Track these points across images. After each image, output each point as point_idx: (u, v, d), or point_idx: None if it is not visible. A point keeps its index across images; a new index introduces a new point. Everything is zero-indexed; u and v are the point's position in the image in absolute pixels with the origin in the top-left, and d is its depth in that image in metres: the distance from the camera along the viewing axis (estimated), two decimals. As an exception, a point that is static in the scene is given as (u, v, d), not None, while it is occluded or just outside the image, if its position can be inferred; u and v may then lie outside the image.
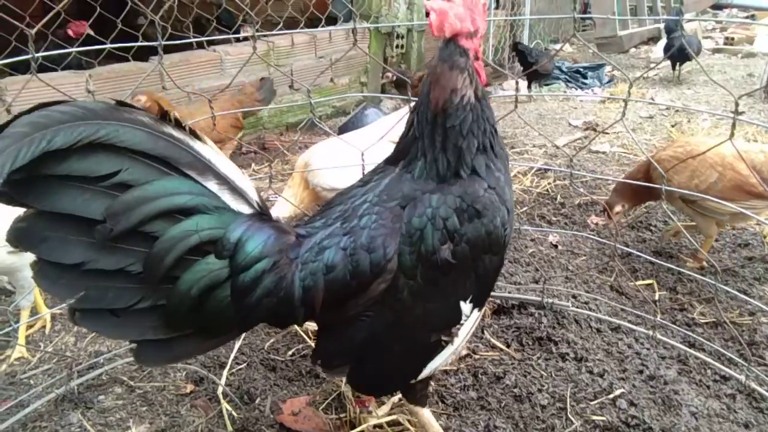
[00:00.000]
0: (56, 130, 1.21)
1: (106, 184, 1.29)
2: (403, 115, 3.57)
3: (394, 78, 4.85)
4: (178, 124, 1.38)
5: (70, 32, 5.07)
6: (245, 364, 2.47)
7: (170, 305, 1.41)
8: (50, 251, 1.30)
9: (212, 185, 1.42)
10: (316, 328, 1.72)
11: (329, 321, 1.63)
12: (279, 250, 1.50)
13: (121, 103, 1.34)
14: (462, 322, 1.63)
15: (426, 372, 1.69)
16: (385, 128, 3.13)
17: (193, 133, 1.41)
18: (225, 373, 2.40)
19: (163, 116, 1.37)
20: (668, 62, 7.46)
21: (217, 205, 1.43)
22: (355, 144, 2.73)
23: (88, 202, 1.29)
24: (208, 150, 1.43)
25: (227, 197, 1.45)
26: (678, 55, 7.03)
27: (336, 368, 1.72)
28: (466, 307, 1.61)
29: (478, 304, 1.65)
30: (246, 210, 1.48)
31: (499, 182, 1.60)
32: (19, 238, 1.28)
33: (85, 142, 1.24)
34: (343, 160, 2.99)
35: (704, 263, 3.22)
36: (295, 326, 2.60)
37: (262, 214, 1.53)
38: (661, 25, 8.09)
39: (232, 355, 2.50)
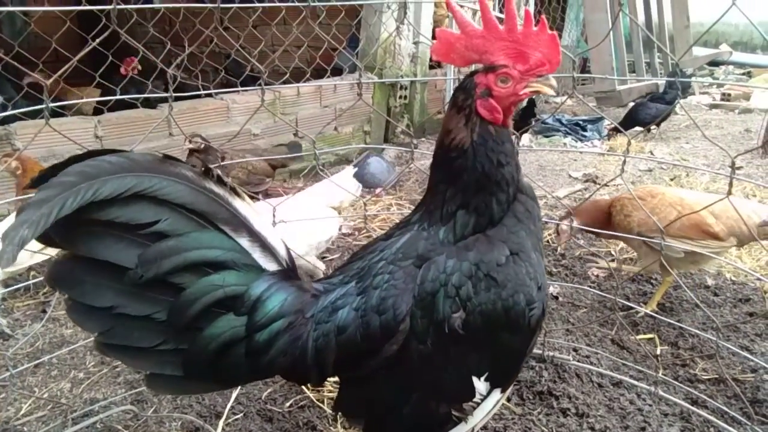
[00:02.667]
0: (103, 180, 1.26)
1: (143, 232, 1.34)
2: (344, 176, 3.62)
3: (201, 145, 4.30)
4: (220, 181, 1.44)
5: (122, 70, 5.36)
6: (242, 414, 2.44)
7: (189, 354, 1.44)
8: (84, 294, 1.35)
9: (244, 242, 1.45)
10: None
11: (345, 377, 1.63)
12: (296, 310, 1.50)
13: (167, 157, 1.40)
14: (476, 399, 1.52)
15: None
16: (325, 192, 3.12)
17: (233, 190, 1.46)
18: (221, 423, 2.37)
19: (206, 172, 1.42)
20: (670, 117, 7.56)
21: (246, 263, 1.46)
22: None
23: (122, 251, 1.33)
24: (245, 207, 1.47)
25: (257, 254, 1.47)
26: (628, 121, 7.12)
27: (353, 419, 1.72)
28: (480, 384, 1.49)
29: (497, 384, 1.53)
30: (273, 267, 1.50)
31: (524, 247, 1.49)
32: (56, 278, 1.35)
33: (129, 193, 1.29)
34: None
35: (654, 307, 3.29)
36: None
37: (288, 271, 1.54)
38: (660, 80, 8.27)
39: (229, 405, 2.47)
